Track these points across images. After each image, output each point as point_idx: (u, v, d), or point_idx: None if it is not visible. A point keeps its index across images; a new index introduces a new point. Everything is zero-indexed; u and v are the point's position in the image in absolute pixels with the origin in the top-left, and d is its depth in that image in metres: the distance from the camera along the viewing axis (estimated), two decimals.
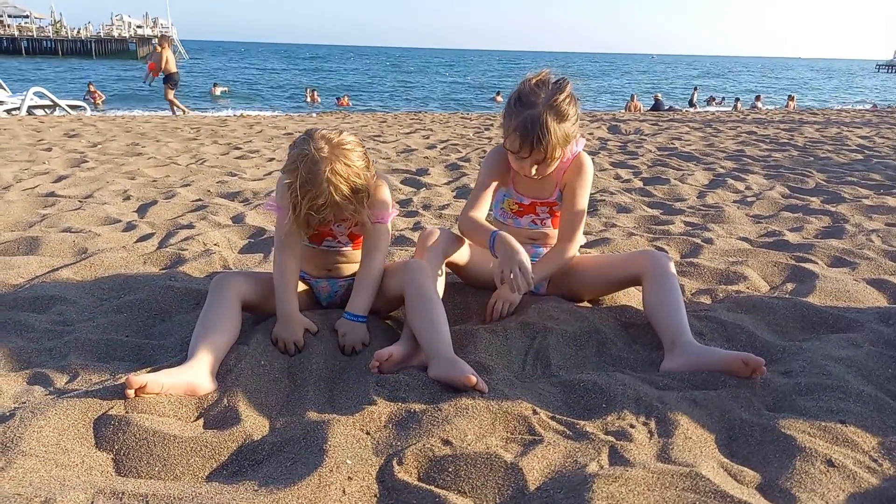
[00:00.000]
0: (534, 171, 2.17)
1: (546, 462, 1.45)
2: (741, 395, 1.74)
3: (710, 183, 5.31)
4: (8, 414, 1.57)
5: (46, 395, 1.75)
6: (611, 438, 1.54)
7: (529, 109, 2.06)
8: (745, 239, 3.48)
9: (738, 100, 21.04)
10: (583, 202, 2.29)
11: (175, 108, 13.12)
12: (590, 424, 1.61)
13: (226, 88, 27.56)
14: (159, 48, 12.68)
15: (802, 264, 2.93)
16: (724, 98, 23.57)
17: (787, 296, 2.56)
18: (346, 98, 23.97)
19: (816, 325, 2.29)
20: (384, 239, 2.16)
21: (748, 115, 13.87)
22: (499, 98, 26.94)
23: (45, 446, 1.47)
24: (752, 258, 3.05)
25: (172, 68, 12.74)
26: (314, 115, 14.54)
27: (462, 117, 13.18)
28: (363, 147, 2.05)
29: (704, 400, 1.72)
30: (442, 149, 7.45)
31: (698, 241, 3.36)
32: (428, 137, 8.65)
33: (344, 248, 2.22)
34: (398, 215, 4.03)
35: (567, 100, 2.09)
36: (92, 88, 19.93)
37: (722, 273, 2.82)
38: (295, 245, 2.10)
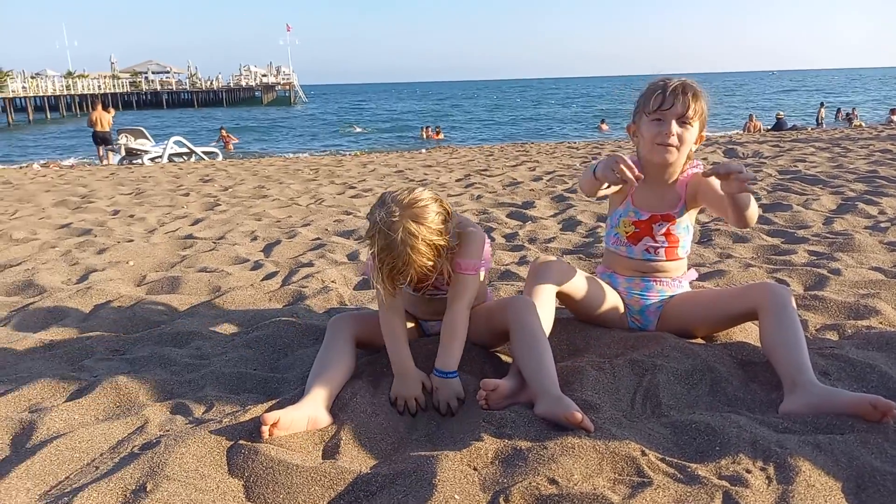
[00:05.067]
0: (675, 133, 2.15)
1: None
2: (871, 440, 1.63)
3: (837, 208, 4.97)
4: (154, 441, 1.76)
5: (187, 423, 1.93)
6: (725, 483, 1.49)
7: (667, 80, 2.20)
8: (877, 269, 3.24)
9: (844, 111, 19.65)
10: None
11: None
12: (702, 468, 1.57)
13: (356, 128, 29.81)
14: None
15: None
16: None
17: None
18: (438, 130, 24.81)
19: None
20: (469, 288, 2.09)
21: (882, 131, 12.83)
22: (603, 126, 26.63)
23: (186, 472, 1.62)
24: (886, 290, 2.83)
25: None
26: (423, 151, 14.99)
27: (569, 147, 13.13)
28: (439, 200, 2.00)
29: (829, 445, 1.62)
30: (548, 180, 7.46)
31: (824, 272, 3.16)
32: (534, 169, 8.70)
33: (447, 295, 2.22)
34: (503, 249, 4.09)
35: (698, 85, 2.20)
36: (224, 133, 21.60)
37: (851, 307, 2.64)
38: (398, 303, 2.11)
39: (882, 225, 4.26)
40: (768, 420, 1.79)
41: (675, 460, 1.60)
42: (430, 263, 1.95)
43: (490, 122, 36.09)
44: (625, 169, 1.95)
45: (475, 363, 2.18)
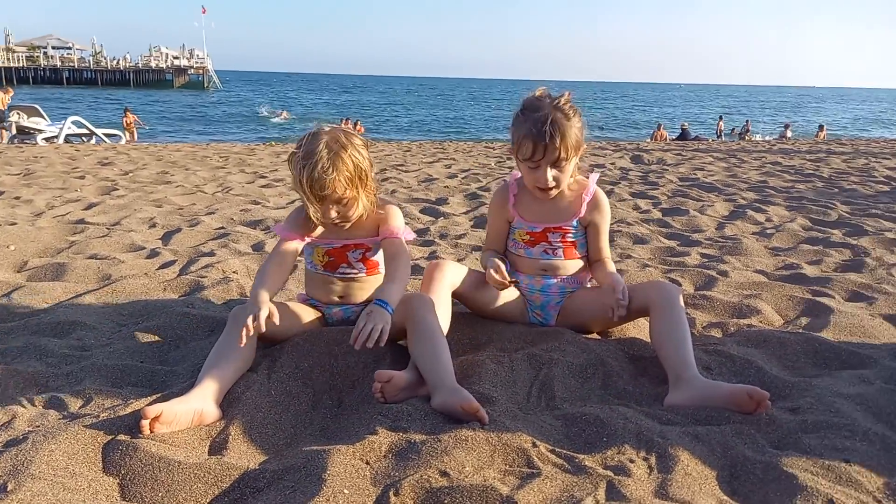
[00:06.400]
0: (551, 178, 2.21)
1: (542, 496, 1.45)
2: (745, 431, 1.73)
3: (730, 214, 5.27)
4: (21, 437, 1.63)
5: (60, 419, 1.80)
6: (609, 473, 1.54)
7: (536, 113, 2.15)
8: (761, 272, 3.45)
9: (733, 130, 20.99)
10: (607, 235, 2.42)
11: None
12: (589, 458, 1.61)
13: (283, 115, 29.43)
14: None
15: (818, 298, 2.89)
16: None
17: (800, 330, 2.54)
18: (357, 123, 24.64)
19: (829, 360, 2.26)
20: (404, 249, 2.19)
21: (774, 144, 13.74)
22: None
23: (55, 470, 1.51)
24: (767, 291, 3.02)
25: None
26: None
27: (486, 146, 13.29)
28: (366, 142, 2.15)
29: (707, 436, 1.71)
30: (463, 178, 7.52)
31: (713, 273, 3.34)
32: (450, 167, 8.75)
33: (358, 275, 2.27)
34: (414, 245, 4.08)
35: (569, 104, 2.19)
36: (128, 114, 19.33)
37: (735, 306, 2.80)
38: (283, 263, 2.16)
39: (768, 231, 4.55)
40: (654, 412, 1.86)
41: (564, 451, 1.64)
42: (349, 182, 2.03)
43: (416, 118, 36.06)
44: (494, 279, 2.24)
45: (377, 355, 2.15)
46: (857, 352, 2.27)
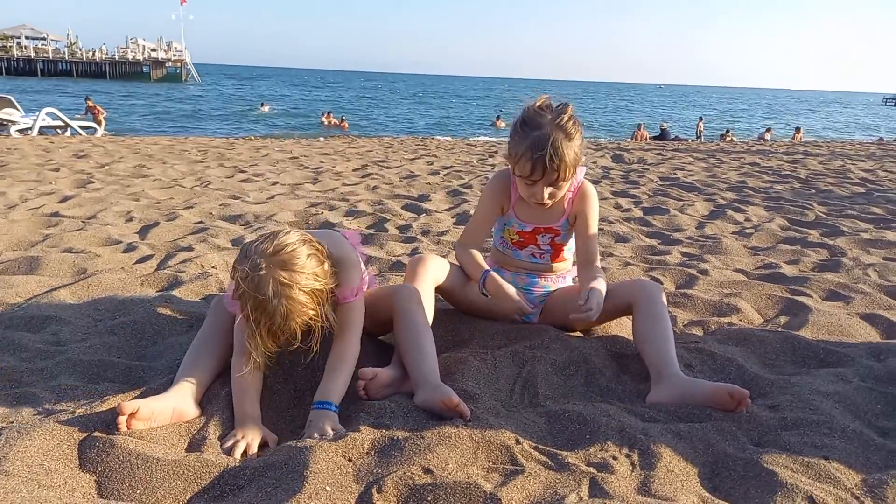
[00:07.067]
0: (547, 195, 2.18)
1: (525, 493, 1.45)
2: (726, 428, 1.74)
3: (709, 214, 5.32)
4: None
5: (34, 415, 1.76)
6: (592, 470, 1.54)
7: (537, 130, 2.09)
8: (740, 271, 3.49)
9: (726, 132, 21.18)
10: (595, 227, 2.35)
11: None
12: (572, 455, 1.61)
13: (265, 107, 29.72)
14: None
15: (797, 297, 2.93)
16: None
17: (779, 329, 2.56)
18: (342, 119, 24.65)
19: (807, 358, 2.28)
20: (357, 315, 1.94)
21: (753, 146, 13.92)
22: (499, 123, 27.24)
23: (29, 466, 1.47)
24: (747, 290, 3.06)
25: None
26: (321, 139, 14.68)
27: (468, 144, 13.30)
28: (309, 241, 1.78)
29: (689, 433, 1.72)
30: (445, 175, 7.51)
31: (694, 271, 3.37)
32: (432, 163, 8.73)
33: None
34: (396, 241, 4.06)
35: (572, 120, 2.13)
36: (90, 104, 18.74)
37: (715, 305, 2.82)
38: (261, 360, 1.82)
39: (747, 231, 4.60)
40: (636, 409, 1.87)
41: (548, 448, 1.64)
42: (313, 312, 1.75)
43: (398, 113, 35.94)
44: (522, 309, 2.28)
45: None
46: (834, 350, 2.30)
